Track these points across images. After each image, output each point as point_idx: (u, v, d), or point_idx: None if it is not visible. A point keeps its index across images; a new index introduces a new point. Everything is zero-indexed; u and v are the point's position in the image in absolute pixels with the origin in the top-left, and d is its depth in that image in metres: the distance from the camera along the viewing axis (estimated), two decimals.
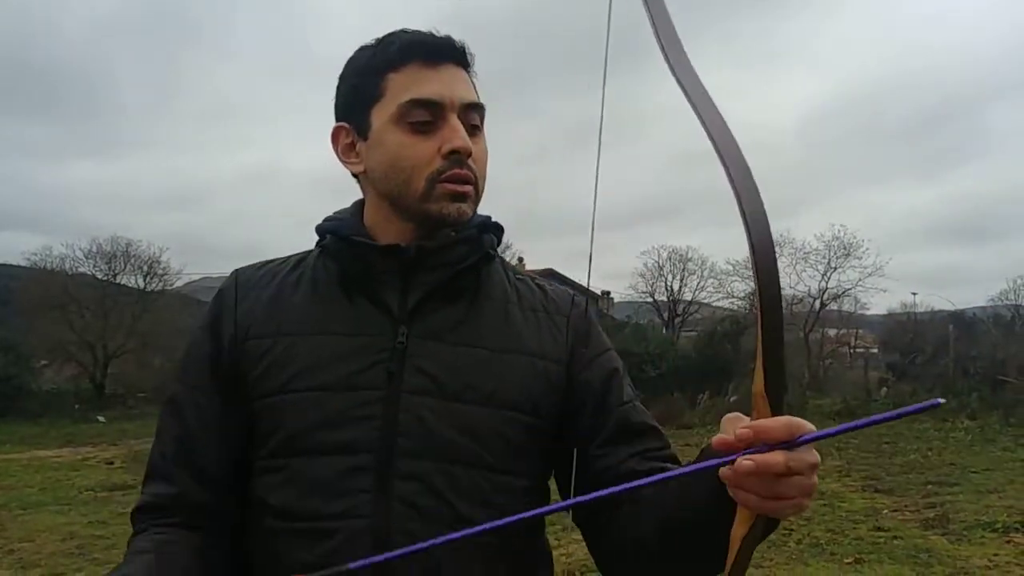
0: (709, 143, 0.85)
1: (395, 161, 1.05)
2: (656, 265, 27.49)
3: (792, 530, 6.58)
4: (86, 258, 26.07)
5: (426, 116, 1.03)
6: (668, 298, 27.68)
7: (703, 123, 0.86)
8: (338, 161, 1.13)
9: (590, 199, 1.01)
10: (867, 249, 22.64)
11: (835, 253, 22.84)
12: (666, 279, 27.54)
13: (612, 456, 1.06)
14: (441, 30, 1.09)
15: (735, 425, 0.80)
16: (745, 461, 0.76)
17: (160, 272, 27.04)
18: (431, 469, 1.01)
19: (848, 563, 5.66)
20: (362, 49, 1.10)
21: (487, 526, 0.86)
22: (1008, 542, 6.01)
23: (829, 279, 23.00)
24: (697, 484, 0.87)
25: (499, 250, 1.20)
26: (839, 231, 23.01)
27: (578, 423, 1.09)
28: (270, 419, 1.05)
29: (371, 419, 1.01)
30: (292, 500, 0.99)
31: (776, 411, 0.79)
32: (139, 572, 0.96)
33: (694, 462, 0.86)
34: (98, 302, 24.64)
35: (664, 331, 24.97)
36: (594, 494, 0.84)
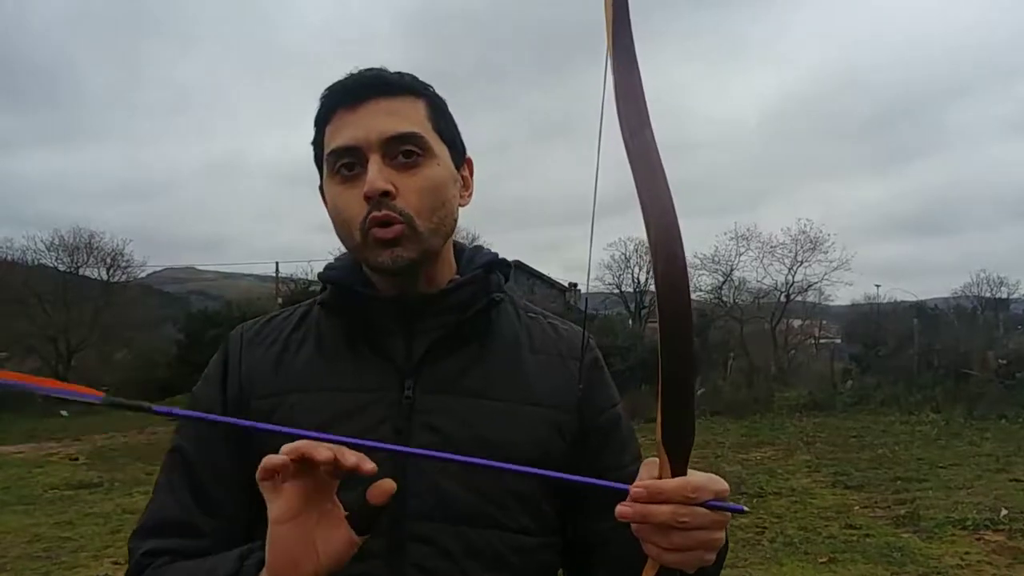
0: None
1: (334, 215, 1.04)
2: (623, 257, 27.62)
3: (765, 528, 6.64)
4: (48, 250, 25.73)
5: (348, 163, 1.01)
6: (634, 290, 27.83)
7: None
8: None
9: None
10: (833, 243, 22.88)
11: (802, 247, 23.05)
12: (632, 271, 27.70)
13: (598, 523, 1.04)
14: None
15: (650, 471, 0.80)
16: (623, 507, 0.77)
17: (123, 265, 26.74)
18: (444, 531, 0.97)
19: (823, 562, 5.69)
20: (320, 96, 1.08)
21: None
22: (979, 539, 6.08)
23: (796, 272, 23.21)
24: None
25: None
26: (805, 225, 23.22)
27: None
28: None
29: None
30: None
31: (676, 463, 0.78)
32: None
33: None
34: (60, 295, 24.29)
35: (630, 323, 25.07)
36: None
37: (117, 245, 26.54)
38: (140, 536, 1.03)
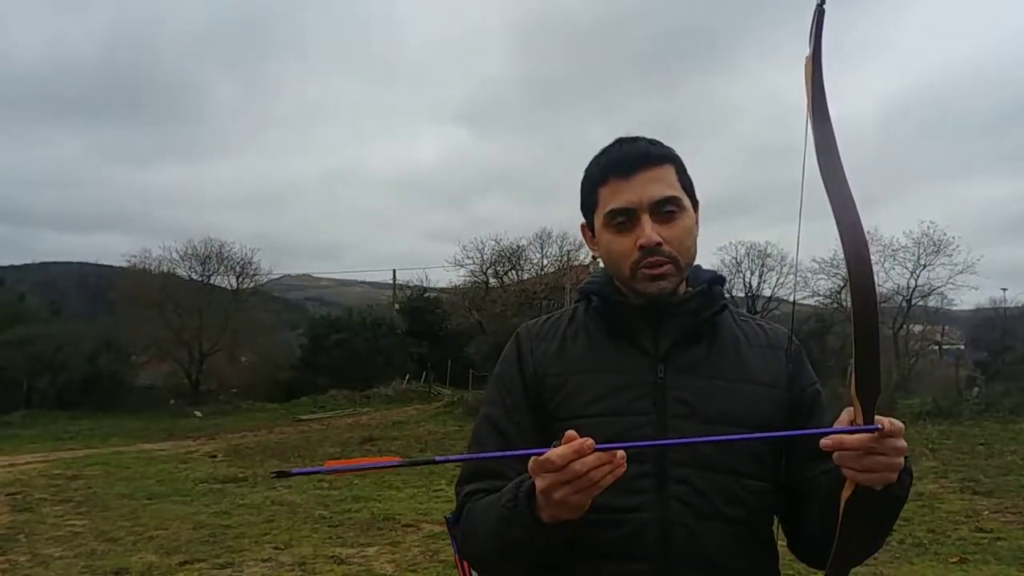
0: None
1: (608, 254, 1.39)
2: (733, 261, 27.21)
3: (893, 530, 6.63)
4: (182, 259, 26.94)
5: (623, 220, 1.35)
6: (746, 294, 27.37)
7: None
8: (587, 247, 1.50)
9: None
10: (957, 246, 22.16)
11: (925, 250, 22.41)
12: (744, 275, 27.22)
13: (808, 471, 1.34)
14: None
15: (849, 416, 1.12)
16: (824, 440, 1.10)
17: (251, 273, 27.85)
18: (696, 475, 1.29)
19: (953, 562, 5.75)
20: (593, 159, 1.43)
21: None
22: None
23: (918, 276, 22.60)
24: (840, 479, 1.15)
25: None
26: (928, 228, 22.52)
27: (790, 440, 1.36)
28: None
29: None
30: None
31: (866, 409, 1.09)
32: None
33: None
34: (192, 301, 25.50)
35: None
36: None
37: (246, 254, 27.64)
38: (461, 483, 1.40)
